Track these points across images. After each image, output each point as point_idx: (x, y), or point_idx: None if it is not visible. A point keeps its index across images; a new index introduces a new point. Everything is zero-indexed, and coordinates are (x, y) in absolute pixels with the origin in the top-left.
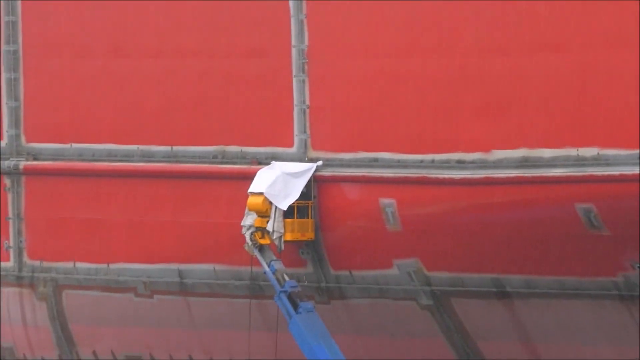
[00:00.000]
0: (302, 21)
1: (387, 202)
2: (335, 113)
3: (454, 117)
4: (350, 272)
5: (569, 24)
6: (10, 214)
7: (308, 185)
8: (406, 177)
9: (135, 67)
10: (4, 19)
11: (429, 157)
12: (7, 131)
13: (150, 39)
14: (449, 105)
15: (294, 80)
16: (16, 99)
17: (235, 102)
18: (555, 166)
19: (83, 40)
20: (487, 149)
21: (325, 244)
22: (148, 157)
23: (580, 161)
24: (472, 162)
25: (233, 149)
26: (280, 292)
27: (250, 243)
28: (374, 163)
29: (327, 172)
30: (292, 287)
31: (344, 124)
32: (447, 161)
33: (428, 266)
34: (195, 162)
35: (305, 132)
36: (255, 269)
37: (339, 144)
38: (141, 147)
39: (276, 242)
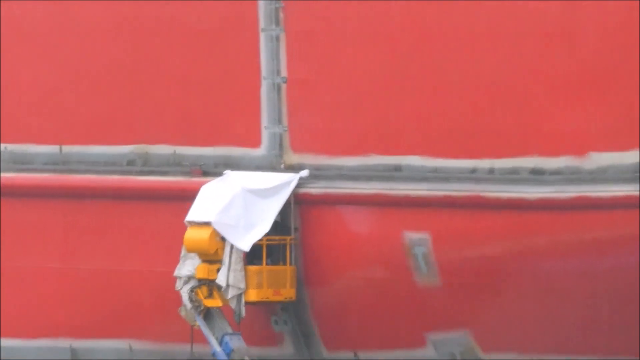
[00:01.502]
0: None
1: (417, 238)
2: (329, 91)
3: (524, 96)
4: (356, 354)
5: None
6: None
7: (285, 211)
8: (448, 197)
9: None
10: None
11: (485, 163)
12: None
13: None
14: (516, 77)
15: (262, 36)
16: None
17: (165, 73)
18: None
19: None
20: (581, 151)
21: (315, 307)
22: (22, 163)
23: None
24: (557, 172)
25: (161, 150)
26: None
27: (189, 305)
28: (395, 174)
29: (317, 189)
30: None
31: (345, 108)
32: (515, 170)
33: (484, 344)
34: (99, 172)
35: (280, 122)
36: (198, 347)
37: (336, 142)
38: (10, 146)
39: (232, 305)
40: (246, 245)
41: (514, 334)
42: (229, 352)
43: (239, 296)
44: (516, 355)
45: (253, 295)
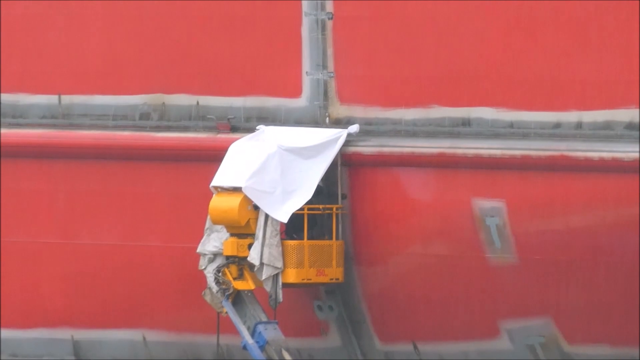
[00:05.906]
0: None
1: (490, 206)
2: (384, 29)
3: (618, 37)
4: (415, 346)
5: None
6: None
7: (331, 175)
8: (526, 158)
9: None
10: None
11: (571, 116)
12: None
13: None
14: (610, 14)
15: None
16: None
17: (186, 7)
18: None
19: None
20: None
21: (366, 290)
22: (13, 116)
23: None
24: None
25: (181, 100)
26: None
27: (215, 288)
28: (462, 129)
29: (368, 147)
30: None
31: (403, 51)
32: (608, 125)
33: (569, 334)
34: (107, 128)
35: (324, 67)
36: (226, 337)
37: (392, 91)
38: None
39: (267, 287)
40: (284, 216)
41: (605, 322)
42: (263, 345)
43: (275, 277)
44: (608, 349)
45: (292, 276)
